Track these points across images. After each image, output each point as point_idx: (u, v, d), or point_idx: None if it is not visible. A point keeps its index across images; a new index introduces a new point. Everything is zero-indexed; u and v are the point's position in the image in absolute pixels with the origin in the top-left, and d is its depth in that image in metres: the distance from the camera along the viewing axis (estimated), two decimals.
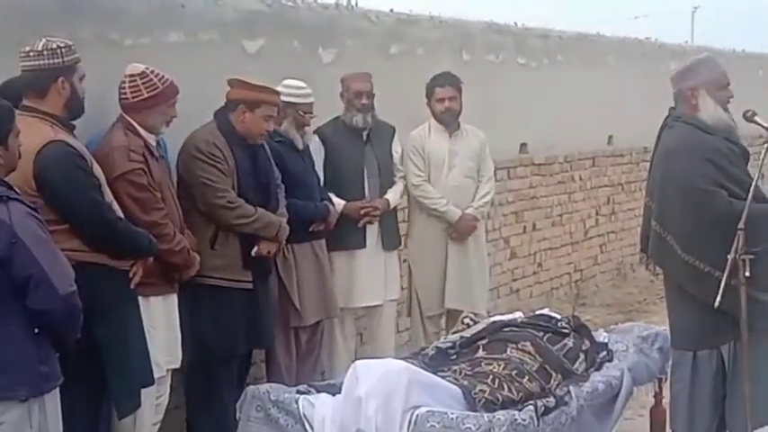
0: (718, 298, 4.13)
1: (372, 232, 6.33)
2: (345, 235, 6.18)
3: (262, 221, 5.29)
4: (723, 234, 4.37)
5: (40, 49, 4.25)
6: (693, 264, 4.48)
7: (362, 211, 6.23)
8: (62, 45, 4.29)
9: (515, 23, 9.30)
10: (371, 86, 6.30)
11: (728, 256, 4.13)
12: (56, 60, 4.26)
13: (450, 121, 6.68)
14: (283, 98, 5.76)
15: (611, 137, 10.44)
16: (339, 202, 6.14)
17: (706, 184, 4.43)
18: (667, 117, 4.72)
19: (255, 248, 5.32)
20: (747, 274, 4.14)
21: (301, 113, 5.84)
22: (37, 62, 4.25)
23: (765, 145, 4.34)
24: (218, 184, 5.18)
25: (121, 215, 4.48)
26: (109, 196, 4.43)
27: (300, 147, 5.91)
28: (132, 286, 4.50)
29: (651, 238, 4.69)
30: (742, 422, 4.50)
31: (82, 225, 4.25)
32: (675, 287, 4.67)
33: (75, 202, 4.20)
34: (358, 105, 6.24)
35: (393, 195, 6.45)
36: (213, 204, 5.18)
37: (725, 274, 4.23)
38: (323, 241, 6.02)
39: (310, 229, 5.87)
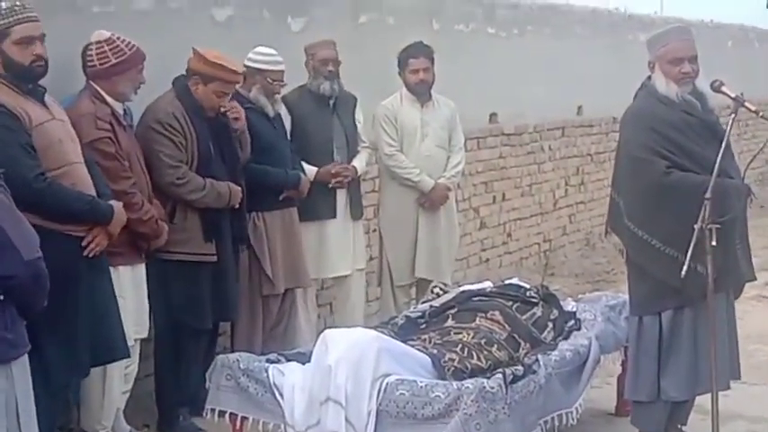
0: (684, 267, 4.16)
1: (341, 202, 6.30)
2: (316, 204, 6.14)
3: (212, 194, 5.20)
4: (658, 204, 4.44)
5: None
6: (634, 231, 4.58)
7: (334, 171, 6.19)
8: None
9: None
10: (337, 54, 6.23)
11: (695, 226, 4.15)
12: None
13: (423, 91, 6.66)
14: (252, 65, 5.74)
15: (580, 107, 10.45)
16: (311, 170, 6.09)
17: (644, 152, 4.52)
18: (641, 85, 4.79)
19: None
20: (714, 243, 4.18)
21: (270, 81, 5.78)
22: None
23: (732, 115, 4.37)
24: (170, 159, 5.10)
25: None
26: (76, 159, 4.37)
27: (271, 114, 5.85)
28: (90, 255, 4.37)
29: (608, 205, 4.78)
30: (674, 387, 4.63)
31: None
32: (627, 254, 4.77)
33: None
34: (325, 73, 6.18)
35: (359, 163, 6.40)
36: (164, 183, 5.12)
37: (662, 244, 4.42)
38: (294, 209, 5.96)
39: (280, 198, 5.82)
